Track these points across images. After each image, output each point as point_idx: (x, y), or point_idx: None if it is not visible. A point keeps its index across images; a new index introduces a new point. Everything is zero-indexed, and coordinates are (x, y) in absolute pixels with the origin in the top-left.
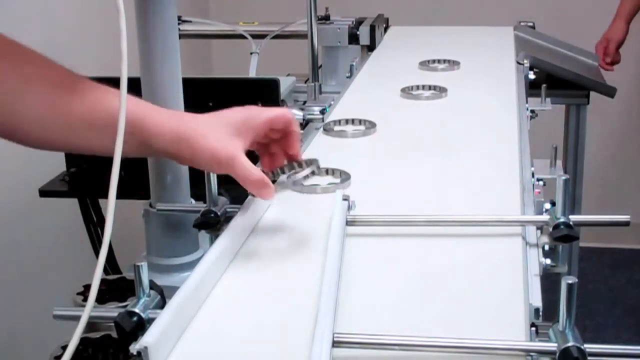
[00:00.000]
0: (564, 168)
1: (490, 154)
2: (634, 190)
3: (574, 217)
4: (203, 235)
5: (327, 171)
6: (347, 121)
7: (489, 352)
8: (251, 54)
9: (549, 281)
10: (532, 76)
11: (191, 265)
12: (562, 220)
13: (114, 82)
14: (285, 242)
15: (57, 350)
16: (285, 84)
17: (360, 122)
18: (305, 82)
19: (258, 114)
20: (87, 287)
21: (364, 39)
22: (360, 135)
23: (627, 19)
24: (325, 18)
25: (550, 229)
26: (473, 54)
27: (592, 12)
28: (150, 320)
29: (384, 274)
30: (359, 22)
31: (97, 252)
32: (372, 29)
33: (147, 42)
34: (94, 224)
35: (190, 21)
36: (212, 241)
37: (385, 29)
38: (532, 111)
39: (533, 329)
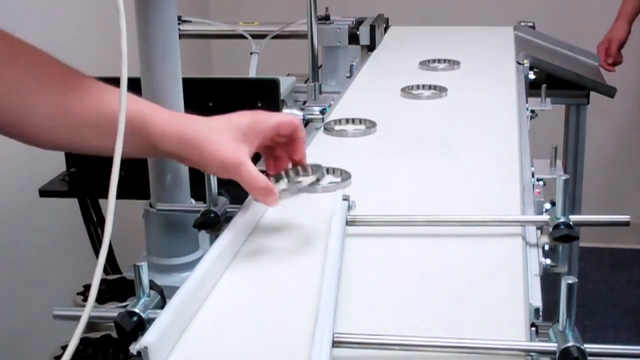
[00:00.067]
0: (564, 168)
1: (490, 154)
2: (634, 190)
3: (574, 217)
4: (203, 235)
5: (327, 170)
6: (347, 120)
7: (489, 352)
8: (251, 54)
9: (549, 281)
10: (532, 76)
11: (191, 265)
12: (562, 220)
13: (114, 82)
14: (285, 242)
15: (57, 350)
16: (285, 84)
17: (360, 121)
18: (305, 82)
19: (265, 119)
20: (87, 287)
21: (364, 39)
22: (361, 134)
23: (629, 20)
24: (325, 18)
25: (550, 229)
26: (473, 54)
27: (592, 12)
28: (150, 320)
29: (384, 274)
30: (359, 22)
31: (97, 252)
32: (372, 29)
33: (147, 42)
34: (94, 224)
35: (190, 21)
36: (212, 241)
37: (385, 29)
38: (532, 111)
39: (533, 329)
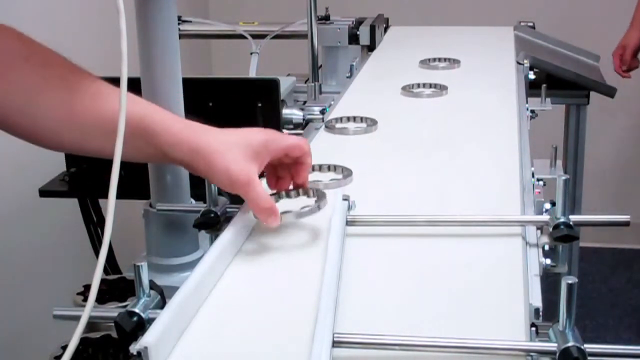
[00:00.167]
0: (564, 168)
1: (490, 153)
2: (634, 190)
3: (574, 217)
4: (203, 235)
5: (329, 167)
6: (348, 118)
7: (489, 352)
8: (251, 54)
9: (549, 281)
10: (532, 76)
11: (191, 265)
12: (562, 220)
13: (114, 82)
14: (284, 242)
15: (57, 350)
16: (285, 84)
17: (361, 119)
18: (305, 82)
19: (278, 140)
20: (87, 287)
21: (364, 39)
22: (362, 132)
23: None
24: (325, 18)
25: (550, 229)
26: (473, 54)
27: (592, 12)
28: (150, 320)
29: (384, 274)
30: (359, 22)
31: (97, 252)
32: (372, 29)
33: (147, 42)
34: (94, 224)
35: (190, 21)
36: (212, 241)
37: (385, 29)
38: (532, 111)
39: (533, 329)
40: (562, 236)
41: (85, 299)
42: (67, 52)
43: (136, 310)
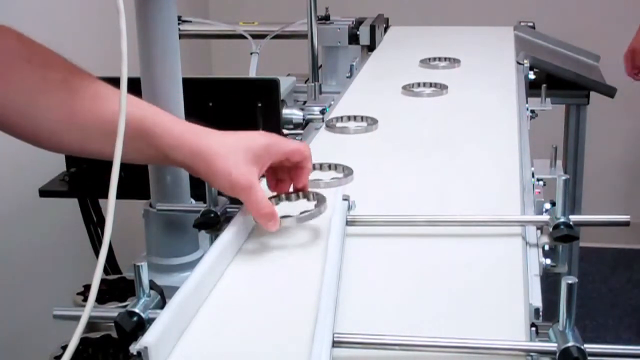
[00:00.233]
0: (564, 168)
1: (490, 153)
2: (634, 190)
3: (574, 217)
4: (203, 235)
5: (329, 166)
6: (349, 118)
7: (489, 352)
8: (251, 54)
9: (549, 281)
10: (532, 76)
11: (191, 265)
12: (562, 220)
13: (114, 82)
14: (285, 242)
15: (57, 350)
16: (285, 84)
17: (362, 118)
18: (305, 82)
19: (279, 144)
20: (87, 287)
21: (364, 39)
22: (363, 131)
23: None
24: (325, 18)
25: (550, 229)
26: (473, 54)
27: (592, 12)
28: (150, 320)
29: (384, 274)
30: (359, 22)
31: (97, 252)
32: (372, 29)
33: (147, 42)
34: (94, 224)
35: (190, 21)
36: (212, 241)
37: (385, 29)
38: (532, 111)
39: (533, 329)
40: (562, 236)
41: (85, 299)
42: (67, 52)
43: (136, 310)
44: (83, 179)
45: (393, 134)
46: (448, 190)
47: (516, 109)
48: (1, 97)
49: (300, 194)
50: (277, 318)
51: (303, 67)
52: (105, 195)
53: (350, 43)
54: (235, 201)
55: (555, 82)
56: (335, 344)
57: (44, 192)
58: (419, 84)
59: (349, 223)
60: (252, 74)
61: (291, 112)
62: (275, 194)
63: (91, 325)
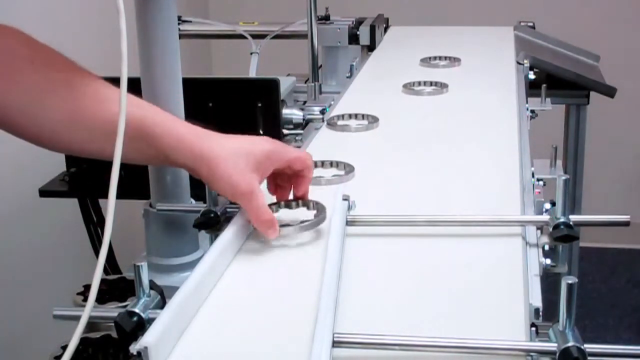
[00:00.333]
0: (564, 168)
1: (490, 153)
2: (634, 190)
3: (574, 217)
4: (203, 235)
5: (331, 164)
6: (350, 116)
7: (489, 352)
8: (251, 54)
9: (549, 281)
10: (532, 76)
11: (191, 265)
12: (562, 220)
13: (114, 82)
14: (285, 242)
15: (57, 350)
16: (285, 84)
17: (363, 116)
18: (305, 82)
19: (282, 151)
20: (87, 287)
21: (364, 39)
22: (364, 129)
23: None
24: (325, 18)
25: (550, 229)
26: (473, 54)
27: (592, 12)
28: (150, 320)
29: (384, 274)
30: (359, 22)
31: (97, 252)
32: (372, 29)
33: (147, 42)
34: (94, 224)
35: (190, 21)
36: (212, 241)
37: (385, 29)
38: (532, 111)
39: (533, 329)
40: (562, 236)
41: (85, 299)
42: (67, 52)
43: (136, 310)
44: (83, 179)
45: (394, 132)
46: (448, 190)
47: (516, 109)
48: (3, 96)
49: (300, 202)
50: (277, 318)
51: (303, 67)
52: (105, 195)
53: (350, 43)
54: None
55: (555, 82)
56: (335, 344)
57: (44, 192)
58: (419, 83)
59: (349, 223)
60: (252, 74)
61: (291, 112)
62: (275, 201)
63: (91, 325)
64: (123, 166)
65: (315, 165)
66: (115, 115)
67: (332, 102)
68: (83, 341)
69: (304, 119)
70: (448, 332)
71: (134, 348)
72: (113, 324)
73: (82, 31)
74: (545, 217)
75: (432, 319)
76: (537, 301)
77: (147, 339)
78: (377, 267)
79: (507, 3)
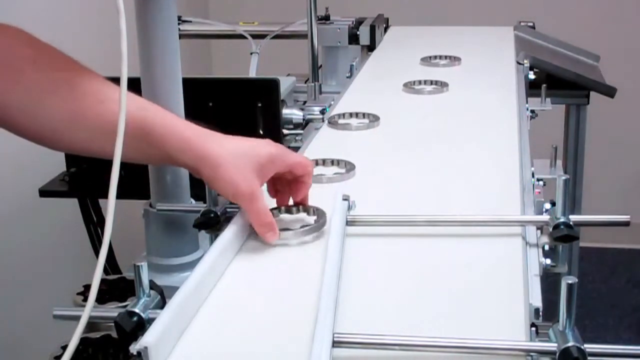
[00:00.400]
0: (564, 168)
1: (490, 153)
2: (634, 190)
3: (574, 217)
4: (203, 235)
5: (332, 162)
6: (351, 114)
7: (489, 352)
8: (251, 54)
9: (549, 281)
10: (532, 76)
11: (191, 265)
12: (562, 220)
13: (114, 82)
14: (285, 242)
15: (57, 350)
16: (285, 84)
17: (364, 115)
18: (305, 82)
19: (283, 156)
20: (87, 287)
21: (364, 39)
22: (364, 128)
23: None
24: (325, 18)
25: (550, 229)
26: (473, 54)
27: (592, 12)
28: (150, 320)
29: (384, 274)
30: (359, 22)
31: (97, 252)
32: (372, 29)
33: (147, 42)
34: (94, 224)
35: (190, 21)
36: (212, 241)
37: (385, 29)
38: (532, 111)
39: (533, 329)
40: (562, 236)
41: (85, 299)
42: (67, 52)
43: (136, 310)
44: (83, 179)
45: (395, 131)
46: (448, 190)
47: (516, 109)
48: (4, 96)
49: (301, 207)
50: (277, 318)
51: (303, 67)
52: (105, 195)
53: (350, 43)
54: None
55: (555, 82)
56: (335, 344)
57: (44, 192)
58: (419, 82)
59: (349, 223)
60: (252, 74)
61: (291, 112)
62: (275, 206)
63: (91, 325)
64: (123, 166)
65: (317, 163)
66: (116, 115)
67: (332, 102)
68: (83, 341)
69: (304, 119)
70: (448, 332)
71: (134, 348)
72: (113, 324)
73: (82, 31)
74: (545, 217)
75: (432, 319)
76: (537, 301)
77: (147, 339)
78: (377, 267)
79: (507, 3)
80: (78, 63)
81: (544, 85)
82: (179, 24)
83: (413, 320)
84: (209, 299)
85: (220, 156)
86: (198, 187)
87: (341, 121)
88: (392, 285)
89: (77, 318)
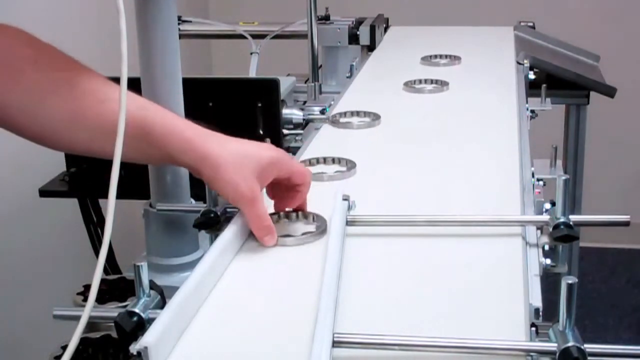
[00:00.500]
0: (564, 168)
1: (490, 153)
2: (633, 190)
3: (574, 217)
4: (203, 235)
5: (333, 160)
6: (352, 113)
7: (489, 352)
8: (251, 54)
9: (549, 281)
10: (532, 76)
11: (191, 265)
12: (562, 220)
13: (114, 82)
14: (285, 242)
15: (57, 350)
16: (285, 84)
17: (365, 114)
18: (305, 82)
19: (286, 162)
20: (87, 287)
21: (364, 39)
22: (366, 126)
23: None
24: (325, 18)
25: (550, 229)
26: (473, 54)
27: (592, 12)
28: (150, 320)
29: (384, 274)
30: (359, 22)
31: (97, 252)
32: (372, 29)
33: (147, 42)
34: (94, 224)
35: (190, 21)
36: (212, 241)
37: (385, 29)
38: (532, 111)
39: (533, 329)
40: (562, 236)
41: (85, 299)
42: (67, 52)
43: (136, 310)
44: (83, 179)
45: (395, 130)
46: (448, 190)
47: (516, 109)
48: (6, 96)
49: (300, 214)
50: (277, 318)
51: (303, 67)
52: (105, 195)
53: (350, 43)
54: None
55: (555, 82)
56: (335, 344)
57: (44, 192)
58: (420, 81)
59: (349, 223)
60: (252, 74)
61: (291, 112)
62: (274, 211)
63: (91, 325)
64: (123, 166)
65: (317, 161)
66: (117, 114)
67: (332, 102)
68: (83, 341)
69: (304, 119)
70: (448, 332)
71: (134, 348)
72: (113, 324)
73: (82, 31)
74: (545, 217)
75: (432, 319)
76: (537, 301)
77: (147, 339)
78: (377, 267)
79: (507, 3)
80: (78, 63)
81: (544, 85)
82: (179, 24)
83: (413, 320)
84: (209, 299)
85: (221, 157)
86: (198, 187)
87: (342, 120)
88: (392, 285)
89: (77, 318)
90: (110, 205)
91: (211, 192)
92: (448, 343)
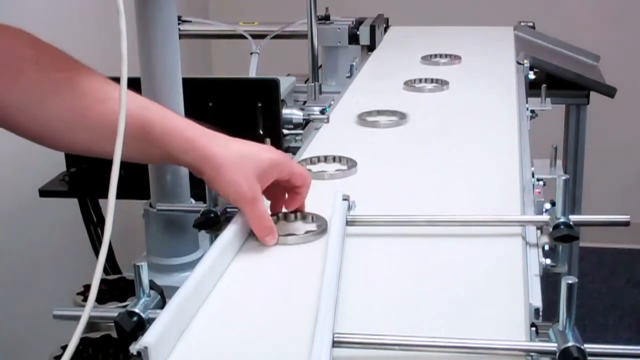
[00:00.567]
0: (564, 168)
1: (490, 153)
2: (633, 190)
3: (574, 217)
4: (203, 235)
5: (334, 159)
6: (378, 112)
7: (489, 352)
8: (251, 54)
9: (549, 281)
10: (532, 76)
11: (191, 265)
12: (562, 220)
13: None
14: (285, 242)
15: (57, 350)
16: (285, 84)
17: (391, 113)
18: (305, 82)
19: (286, 164)
20: (87, 287)
21: (364, 39)
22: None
23: None
24: (325, 18)
25: (550, 229)
26: (473, 54)
27: (592, 12)
28: (150, 320)
29: (384, 274)
30: (359, 22)
31: (97, 252)
32: (372, 29)
33: (147, 42)
34: (94, 224)
35: (190, 21)
36: (212, 241)
37: (385, 29)
38: (532, 111)
39: (533, 329)
40: (562, 236)
41: (85, 299)
42: (67, 52)
43: (136, 310)
44: (83, 179)
45: (396, 129)
46: (448, 190)
47: (516, 109)
48: (6, 96)
49: (299, 214)
50: (277, 318)
51: (303, 67)
52: (105, 195)
53: (350, 43)
54: None
55: (555, 82)
56: (335, 344)
57: (44, 192)
58: (420, 80)
59: (349, 223)
60: (252, 74)
61: (291, 112)
62: (274, 213)
63: (91, 325)
64: (123, 166)
65: (318, 160)
66: (117, 114)
67: (332, 102)
68: (83, 341)
69: (304, 119)
70: (448, 332)
71: (134, 348)
72: (113, 324)
73: (82, 31)
74: (545, 217)
75: (432, 319)
76: (537, 301)
77: (147, 339)
78: (377, 267)
79: (507, 3)
80: (79, 62)
81: (544, 85)
82: (179, 24)
83: (413, 320)
84: (209, 299)
85: (222, 157)
86: (198, 187)
87: (369, 118)
88: (392, 285)
89: (77, 318)
90: (110, 205)
91: (211, 192)
92: (448, 343)
